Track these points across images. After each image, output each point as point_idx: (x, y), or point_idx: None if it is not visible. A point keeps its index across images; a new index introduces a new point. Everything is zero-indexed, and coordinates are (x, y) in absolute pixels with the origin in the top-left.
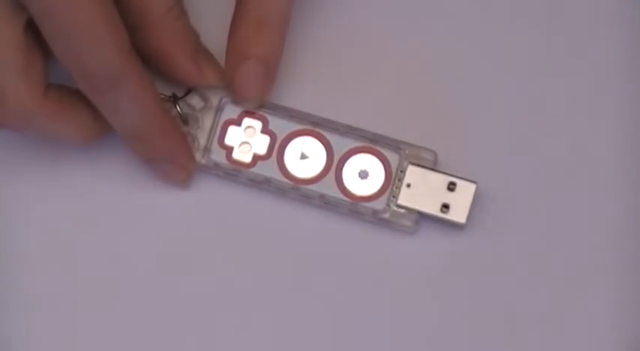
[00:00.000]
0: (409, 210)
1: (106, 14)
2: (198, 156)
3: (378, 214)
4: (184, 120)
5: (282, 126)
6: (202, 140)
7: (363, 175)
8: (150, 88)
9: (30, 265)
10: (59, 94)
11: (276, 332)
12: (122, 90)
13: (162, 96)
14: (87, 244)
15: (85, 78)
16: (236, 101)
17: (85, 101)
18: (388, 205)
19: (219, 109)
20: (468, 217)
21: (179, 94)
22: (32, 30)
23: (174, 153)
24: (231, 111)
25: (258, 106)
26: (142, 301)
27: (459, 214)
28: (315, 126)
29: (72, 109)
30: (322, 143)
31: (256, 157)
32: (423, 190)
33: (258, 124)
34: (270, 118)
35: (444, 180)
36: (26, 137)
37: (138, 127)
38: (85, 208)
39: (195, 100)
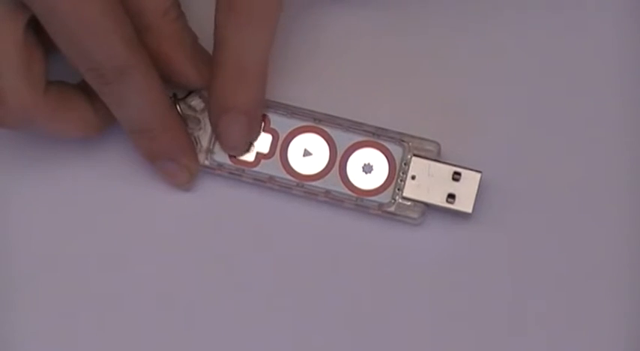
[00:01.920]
0: (415, 202)
1: (110, 7)
2: (201, 157)
3: (384, 207)
4: (184, 121)
5: (283, 123)
6: (204, 141)
7: (367, 169)
8: (156, 81)
9: (30, 264)
10: (59, 91)
11: (285, 328)
12: (129, 81)
13: None
14: (88, 245)
15: (91, 71)
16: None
17: (85, 96)
18: (394, 198)
19: None
20: (474, 207)
21: (180, 95)
22: (32, 28)
23: (178, 151)
24: None
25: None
26: (145, 302)
27: (465, 203)
28: (317, 122)
29: (72, 105)
30: (325, 139)
31: (259, 156)
32: (427, 181)
33: None
34: (271, 116)
35: (448, 170)
36: (26, 136)
37: (143, 120)
38: (88, 207)
39: (195, 102)
